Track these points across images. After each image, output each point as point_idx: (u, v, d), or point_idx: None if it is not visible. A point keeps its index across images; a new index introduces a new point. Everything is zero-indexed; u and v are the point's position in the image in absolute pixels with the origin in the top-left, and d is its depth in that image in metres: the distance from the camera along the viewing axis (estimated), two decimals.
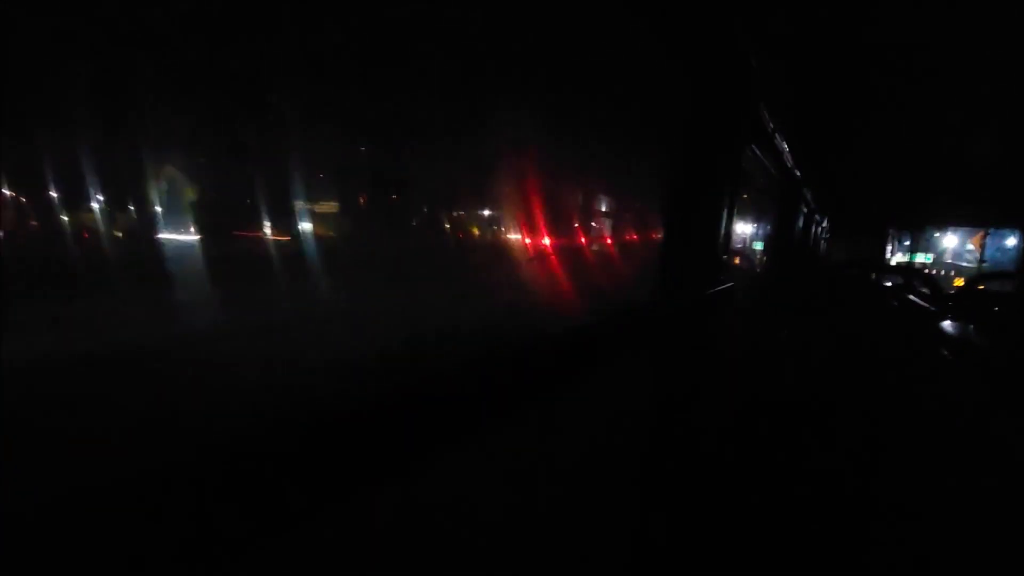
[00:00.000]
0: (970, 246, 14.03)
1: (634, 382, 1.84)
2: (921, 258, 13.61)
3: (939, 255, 14.99)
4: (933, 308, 4.80)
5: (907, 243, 12.85)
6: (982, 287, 6.20)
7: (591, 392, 1.43)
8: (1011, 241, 11.87)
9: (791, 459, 2.52)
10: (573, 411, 1.34)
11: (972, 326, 4.04)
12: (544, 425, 1.21)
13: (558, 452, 1.33)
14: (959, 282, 6.88)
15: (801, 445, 2.66)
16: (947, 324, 4.12)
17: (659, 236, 2.35)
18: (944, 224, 13.30)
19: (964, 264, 14.29)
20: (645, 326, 1.82)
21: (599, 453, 1.58)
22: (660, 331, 1.96)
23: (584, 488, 1.48)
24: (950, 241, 14.84)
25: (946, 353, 3.60)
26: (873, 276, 7.70)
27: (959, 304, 5.08)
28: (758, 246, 16.24)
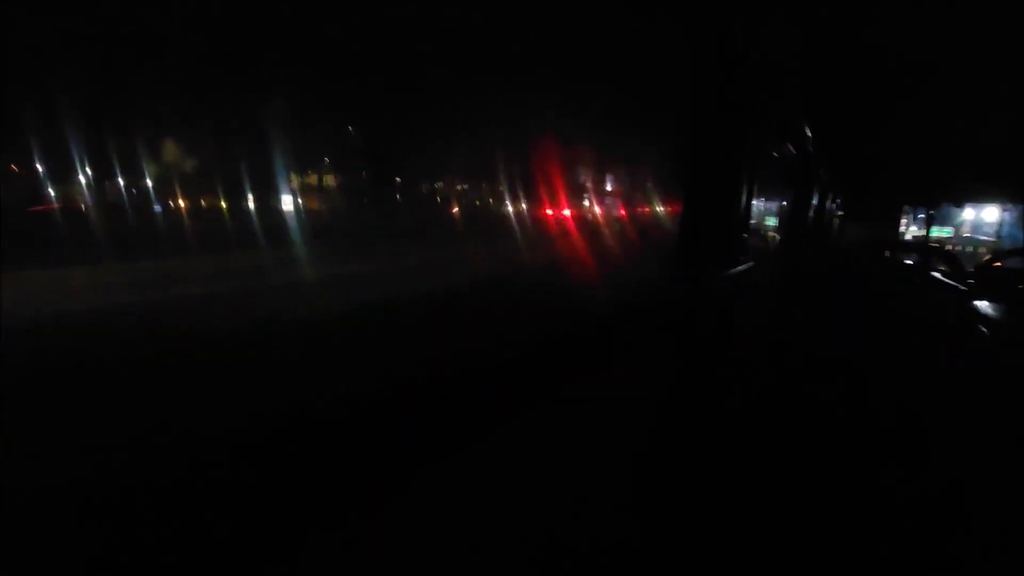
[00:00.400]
0: (989, 219, 13.59)
1: (652, 374, 1.78)
2: (940, 232, 13.22)
3: (957, 228, 14.58)
4: (954, 287, 4.70)
5: (922, 217, 12.57)
6: (999, 264, 6.08)
7: (603, 388, 1.37)
8: None
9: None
10: (583, 410, 1.29)
11: (996, 304, 3.93)
12: (547, 427, 1.16)
13: (562, 454, 1.28)
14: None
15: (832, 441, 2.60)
16: (972, 303, 4.02)
17: (678, 215, 2.29)
18: (959, 201, 13.01)
19: (983, 238, 13.89)
20: (662, 312, 1.76)
21: (608, 456, 1.52)
22: (678, 317, 1.89)
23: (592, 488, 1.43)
24: (968, 214, 14.34)
25: (970, 334, 3.51)
26: (888, 254, 7.56)
27: (980, 282, 4.96)
28: (771, 222, 16.08)
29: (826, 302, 4.76)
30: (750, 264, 2.66)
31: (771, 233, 14.00)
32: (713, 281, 2.13)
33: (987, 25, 2.39)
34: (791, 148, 3.89)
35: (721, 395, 2.24)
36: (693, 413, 1.99)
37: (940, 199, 10.97)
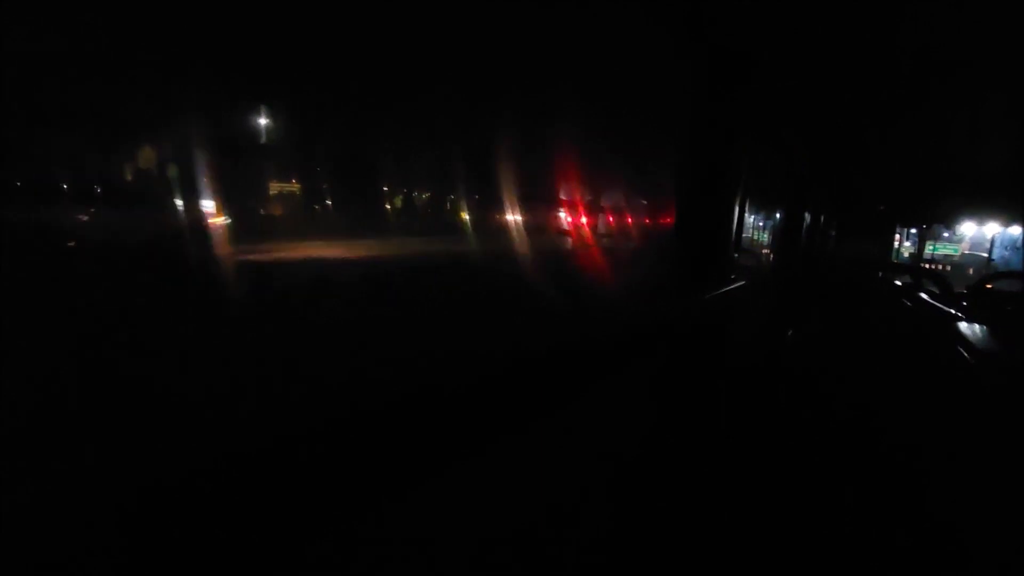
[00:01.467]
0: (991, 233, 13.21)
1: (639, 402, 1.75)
2: (946, 250, 12.93)
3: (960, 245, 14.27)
4: (946, 309, 4.70)
5: (915, 234, 12.50)
6: (990, 286, 6.09)
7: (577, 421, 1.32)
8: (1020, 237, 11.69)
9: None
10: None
11: (986, 326, 3.93)
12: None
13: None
14: None
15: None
16: (962, 325, 4.01)
17: (669, 230, 2.27)
18: (952, 222, 12.93)
19: (983, 254, 13.48)
20: (650, 333, 1.73)
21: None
22: (667, 339, 1.86)
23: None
24: (969, 229, 13.73)
25: (962, 354, 3.50)
26: (880, 274, 7.58)
27: (971, 304, 4.97)
28: (763, 238, 16.15)
29: (816, 321, 4.75)
30: (742, 283, 2.64)
31: (764, 251, 14.03)
32: (703, 299, 2.11)
33: (978, 46, 2.39)
34: (784, 167, 3.90)
35: (708, 411, 2.21)
36: (680, 431, 1.95)
37: (933, 220, 11.05)
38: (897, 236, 11.25)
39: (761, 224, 16.36)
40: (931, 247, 12.73)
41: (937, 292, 5.82)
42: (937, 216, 10.24)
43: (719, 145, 2.14)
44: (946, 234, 12.49)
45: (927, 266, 11.02)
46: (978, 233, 13.84)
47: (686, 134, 2.16)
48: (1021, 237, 11.59)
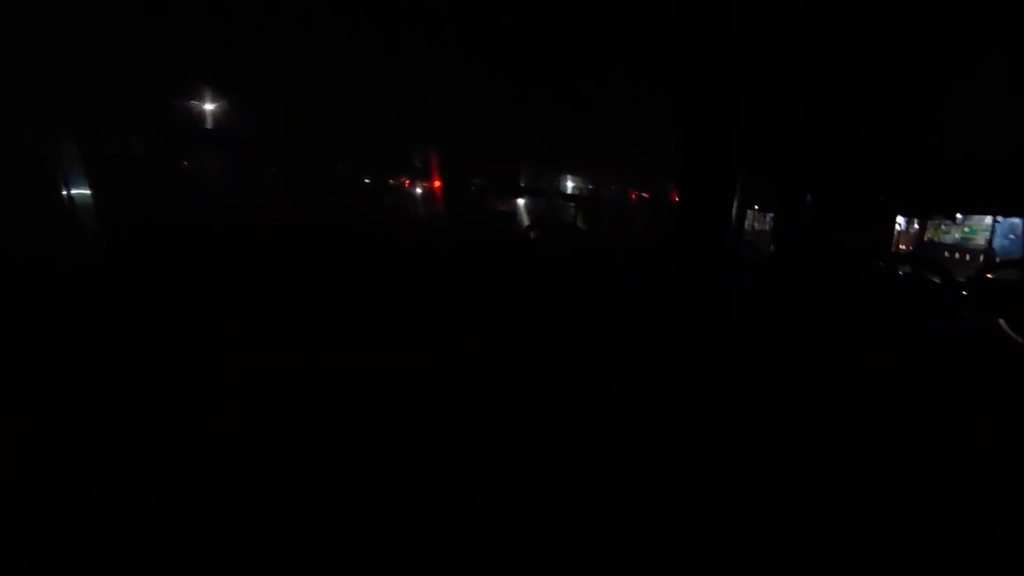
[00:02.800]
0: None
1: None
2: (983, 236, 12.15)
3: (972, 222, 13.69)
4: (947, 298, 4.69)
5: (917, 223, 12.26)
6: (991, 276, 6.09)
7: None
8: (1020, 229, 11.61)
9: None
10: None
11: (987, 316, 3.93)
12: None
13: None
14: None
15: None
16: (964, 315, 4.01)
17: (668, 227, 2.26)
18: (951, 212, 12.70)
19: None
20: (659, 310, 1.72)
21: None
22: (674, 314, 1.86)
23: None
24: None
25: (963, 344, 3.50)
26: (881, 264, 7.57)
27: (973, 293, 4.96)
28: (763, 229, 16.12)
29: (816, 306, 4.75)
30: (738, 275, 2.64)
31: (764, 240, 13.95)
32: (707, 281, 2.11)
33: (980, 39, 2.38)
34: (784, 159, 3.89)
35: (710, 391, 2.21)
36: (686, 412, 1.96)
37: (932, 209, 11.02)
38: (901, 223, 11.19)
39: (761, 213, 16.32)
40: (968, 230, 12.22)
41: (937, 282, 5.81)
42: (935, 204, 10.22)
43: (720, 133, 2.12)
44: (960, 217, 12.05)
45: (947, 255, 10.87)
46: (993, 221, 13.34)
47: (687, 120, 2.15)
48: (1022, 225, 11.53)
